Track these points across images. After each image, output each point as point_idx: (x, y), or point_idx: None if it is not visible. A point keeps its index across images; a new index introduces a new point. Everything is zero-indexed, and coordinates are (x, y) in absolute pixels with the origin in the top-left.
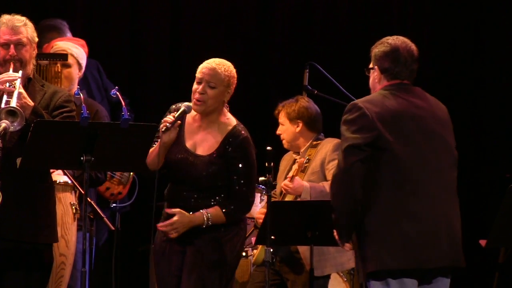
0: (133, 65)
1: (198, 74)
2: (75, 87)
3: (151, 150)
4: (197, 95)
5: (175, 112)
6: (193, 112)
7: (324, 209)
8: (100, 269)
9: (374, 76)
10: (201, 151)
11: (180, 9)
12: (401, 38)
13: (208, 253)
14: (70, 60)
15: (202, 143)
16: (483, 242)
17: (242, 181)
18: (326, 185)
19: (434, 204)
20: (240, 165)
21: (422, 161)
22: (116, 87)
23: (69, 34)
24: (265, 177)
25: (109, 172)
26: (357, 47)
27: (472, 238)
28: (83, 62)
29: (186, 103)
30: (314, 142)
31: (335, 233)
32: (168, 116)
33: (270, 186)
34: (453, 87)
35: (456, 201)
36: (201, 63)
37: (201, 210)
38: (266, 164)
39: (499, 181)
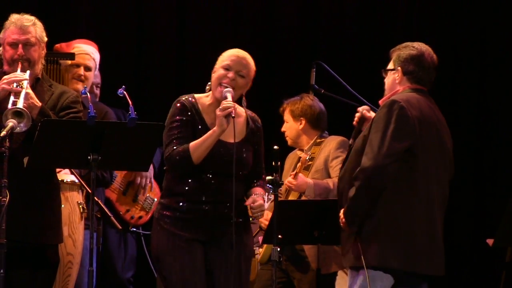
0: (139, 64)
1: (226, 61)
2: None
3: (194, 145)
4: (226, 80)
5: (225, 100)
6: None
7: (331, 208)
8: None
9: (394, 77)
10: (232, 139)
11: (186, 8)
12: (424, 45)
13: (239, 245)
14: (92, 64)
15: (229, 132)
16: (490, 241)
17: (262, 162)
18: (330, 182)
19: (435, 217)
20: (261, 148)
21: (434, 172)
22: (123, 86)
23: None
24: (272, 176)
25: (131, 196)
26: (364, 46)
27: (479, 237)
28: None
29: (227, 89)
30: (318, 140)
31: (341, 217)
32: (228, 102)
33: (277, 185)
34: (459, 88)
35: (443, 215)
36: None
37: (257, 193)
38: (273, 163)
39: (506, 180)
